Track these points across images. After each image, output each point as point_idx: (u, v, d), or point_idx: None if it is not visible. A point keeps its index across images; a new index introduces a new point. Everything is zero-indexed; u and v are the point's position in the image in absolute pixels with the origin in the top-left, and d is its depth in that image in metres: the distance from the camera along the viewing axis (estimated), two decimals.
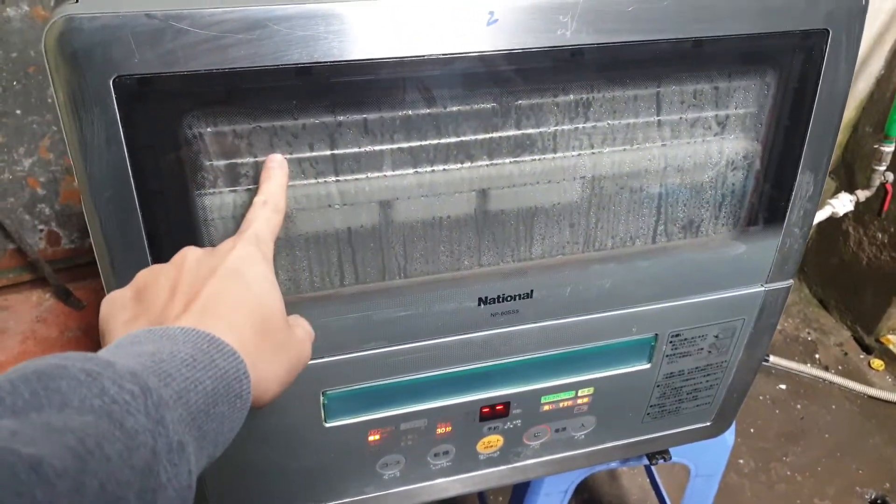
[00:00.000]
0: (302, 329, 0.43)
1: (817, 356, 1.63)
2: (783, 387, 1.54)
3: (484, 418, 0.62)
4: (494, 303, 0.56)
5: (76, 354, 0.30)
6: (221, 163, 0.46)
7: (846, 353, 1.64)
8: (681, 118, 0.54)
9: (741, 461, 1.37)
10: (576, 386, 0.64)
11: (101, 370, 0.28)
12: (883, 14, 1.35)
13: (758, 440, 1.42)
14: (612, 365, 0.64)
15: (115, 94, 0.41)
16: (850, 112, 1.56)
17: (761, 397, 1.51)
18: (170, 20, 0.40)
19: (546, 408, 0.64)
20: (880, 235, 1.56)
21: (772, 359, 1.55)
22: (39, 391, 0.27)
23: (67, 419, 0.26)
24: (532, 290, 0.56)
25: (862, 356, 1.63)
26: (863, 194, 1.45)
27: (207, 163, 0.46)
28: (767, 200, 0.59)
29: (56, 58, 0.39)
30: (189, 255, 0.40)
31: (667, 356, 0.65)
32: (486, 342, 0.58)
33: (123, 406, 0.28)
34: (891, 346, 1.60)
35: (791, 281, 0.64)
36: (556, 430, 0.66)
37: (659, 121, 0.54)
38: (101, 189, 0.44)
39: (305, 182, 0.49)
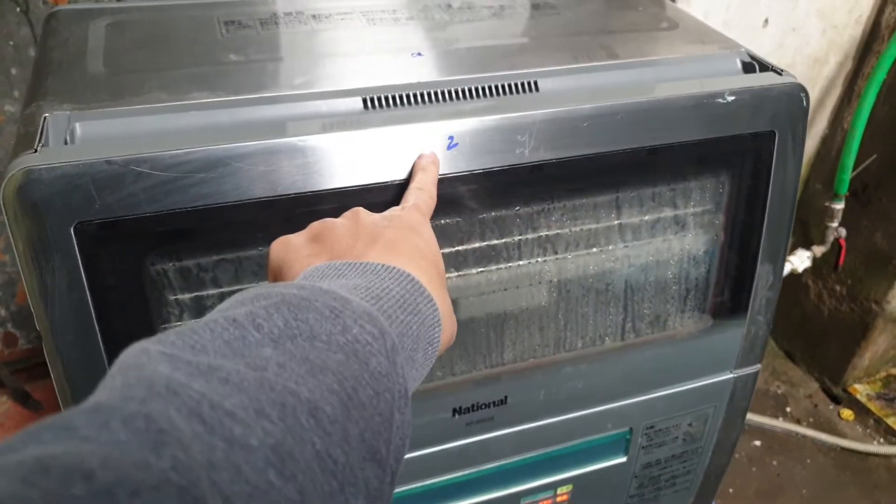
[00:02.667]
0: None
1: (788, 409, 1.64)
2: (758, 443, 1.55)
3: None
4: (469, 412, 0.55)
5: (310, 286, 0.28)
6: (186, 296, 0.46)
7: (816, 405, 1.66)
8: (641, 220, 0.55)
9: None
10: (554, 485, 0.63)
11: (341, 307, 0.27)
12: (822, 80, 1.42)
13: (737, 500, 1.42)
14: (590, 461, 0.64)
15: (76, 240, 0.40)
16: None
17: (737, 455, 1.51)
18: (130, 165, 0.40)
19: None
20: (838, 288, 1.60)
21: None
22: (291, 321, 0.26)
23: (324, 356, 0.25)
24: (506, 397, 0.56)
25: (832, 407, 1.65)
26: (819, 250, 1.49)
27: (172, 297, 0.45)
28: (730, 292, 0.60)
29: (15, 209, 0.39)
30: (362, 212, 0.39)
31: (642, 448, 0.65)
32: (461, 452, 0.57)
33: (366, 346, 0.26)
34: (858, 396, 1.62)
35: (759, 366, 0.65)
36: None
37: (620, 224, 0.55)
38: (64, 333, 0.43)
39: None
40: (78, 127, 0.43)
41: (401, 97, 0.48)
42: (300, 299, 0.27)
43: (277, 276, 0.36)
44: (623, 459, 0.65)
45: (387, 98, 0.48)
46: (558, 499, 0.64)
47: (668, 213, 0.56)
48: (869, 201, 1.48)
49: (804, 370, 1.72)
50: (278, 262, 0.36)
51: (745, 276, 0.59)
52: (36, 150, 0.40)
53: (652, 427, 0.64)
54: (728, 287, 0.60)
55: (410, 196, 0.43)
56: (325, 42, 0.56)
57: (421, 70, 0.52)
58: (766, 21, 1.30)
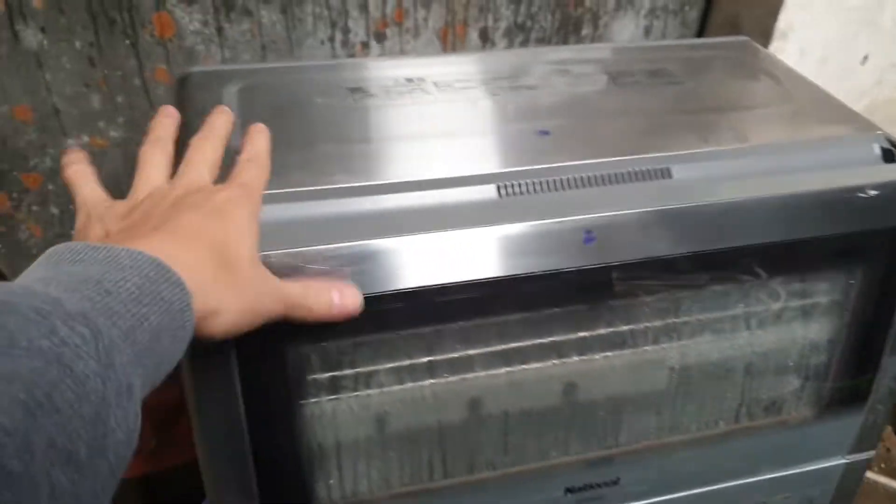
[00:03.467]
0: (292, 287, 0.40)
1: None
2: None
3: None
4: (580, 491, 0.55)
5: (21, 288, 0.28)
6: (324, 376, 0.47)
7: (888, 450, 1.60)
8: (767, 309, 0.54)
9: None
10: None
11: (50, 308, 0.27)
12: None
13: None
14: None
15: None
16: None
17: None
18: (285, 259, 0.41)
19: None
20: None
21: None
22: None
23: (16, 364, 0.25)
24: (618, 477, 0.56)
25: None
26: None
27: (310, 377, 0.46)
28: (850, 381, 0.58)
29: None
30: (185, 186, 0.40)
31: None
32: None
33: (74, 350, 0.26)
34: None
35: (873, 452, 0.64)
36: None
37: (746, 312, 0.54)
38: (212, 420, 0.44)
39: (402, 387, 0.49)
40: None
41: (534, 185, 0.48)
42: (3, 304, 0.26)
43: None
44: None
45: (520, 185, 0.48)
46: None
47: (794, 303, 0.55)
48: None
49: None
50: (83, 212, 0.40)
51: (868, 367, 0.58)
52: None
53: None
54: (849, 376, 0.58)
55: (239, 170, 0.43)
56: (452, 117, 0.56)
57: (550, 152, 0.51)
58: (866, 58, 1.26)
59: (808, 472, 0.62)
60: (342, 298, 0.41)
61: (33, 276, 0.30)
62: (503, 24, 0.94)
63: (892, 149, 0.55)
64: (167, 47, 0.91)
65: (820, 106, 0.61)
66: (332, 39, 0.91)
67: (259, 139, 0.45)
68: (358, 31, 0.89)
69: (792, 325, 0.56)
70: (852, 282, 0.55)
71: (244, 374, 0.44)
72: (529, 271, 0.46)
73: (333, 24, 0.89)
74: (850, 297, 0.55)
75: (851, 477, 0.64)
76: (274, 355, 0.44)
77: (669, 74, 0.65)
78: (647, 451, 0.56)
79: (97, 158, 1.03)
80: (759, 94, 0.63)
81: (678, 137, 0.55)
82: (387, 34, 0.90)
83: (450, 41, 0.93)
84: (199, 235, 0.36)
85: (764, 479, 0.61)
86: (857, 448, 0.62)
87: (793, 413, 0.59)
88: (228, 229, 0.37)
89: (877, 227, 0.51)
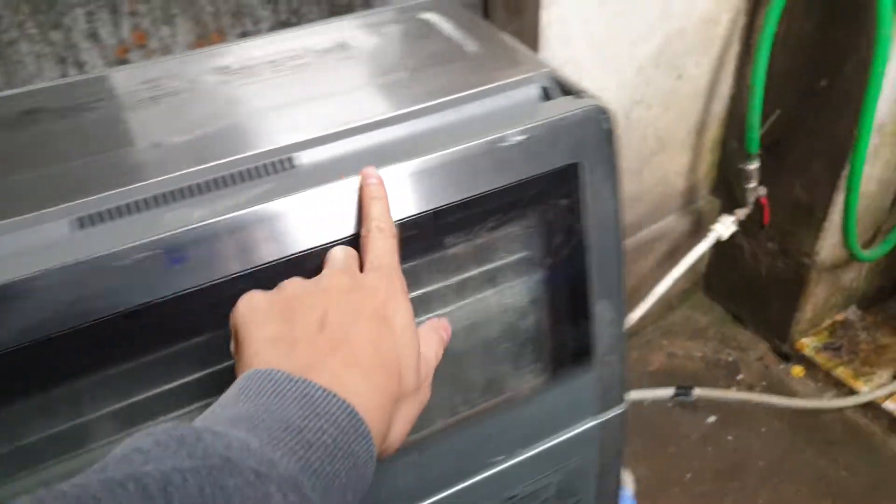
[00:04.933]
0: (425, 366, 0.40)
1: (740, 376, 1.60)
2: (712, 419, 1.51)
3: None
4: None
5: (238, 441, 0.28)
6: None
7: (767, 367, 1.62)
8: (448, 284, 0.49)
9: None
10: None
11: (266, 471, 0.27)
12: (717, 40, 1.36)
13: (696, 485, 1.38)
14: None
15: None
16: (715, 130, 1.57)
17: (692, 436, 1.47)
18: None
19: None
20: (770, 245, 1.55)
21: (696, 392, 1.51)
22: (207, 489, 0.25)
23: None
24: None
25: (782, 366, 1.62)
26: (742, 212, 1.44)
27: None
28: (569, 338, 0.54)
29: None
30: (338, 283, 0.38)
31: None
32: None
33: None
34: (806, 351, 1.59)
35: (624, 405, 0.60)
36: None
37: (422, 294, 0.49)
38: None
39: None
40: None
41: (118, 209, 0.41)
42: (225, 461, 0.27)
43: (235, 338, 0.36)
44: None
45: (101, 214, 0.41)
46: None
47: (476, 270, 0.50)
48: (784, 155, 1.43)
49: (752, 332, 1.68)
50: (238, 325, 0.36)
51: (581, 318, 0.53)
52: None
53: (514, 497, 0.58)
54: (565, 334, 0.54)
55: (375, 246, 0.40)
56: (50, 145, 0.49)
57: (155, 166, 0.44)
58: None
59: (561, 443, 0.58)
60: (447, 333, 0.43)
61: (235, 411, 0.30)
62: (266, 25, 0.88)
63: (549, 87, 0.50)
64: None
65: (496, 54, 0.56)
66: (65, 77, 0.82)
67: (383, 198, 0.42)
68: (95, 63, 0.81)
69: (485, 293, 0.51)
70: (533, 234, 0.50)
71: None
72: (115, 310, 0.39)
73: (63, 61, 0.80)
74: (536, 251, 0.51)
75: (610, 435, 0.60)
76: None
77: (347, 48, 0.59)
78: None
79: None
80: (435, 52, 0.58)
81: (314, 119, 0.48)
82: (131, 59, 0.83)
83: None
84: (376, 359, 0.35)
85: (513, 464, 0.56)
86: (604, 406, 0.58)
87: (520, 387, 0.54)
88: (398, 342, 0.36)
89: (535, 172, 0.47)
